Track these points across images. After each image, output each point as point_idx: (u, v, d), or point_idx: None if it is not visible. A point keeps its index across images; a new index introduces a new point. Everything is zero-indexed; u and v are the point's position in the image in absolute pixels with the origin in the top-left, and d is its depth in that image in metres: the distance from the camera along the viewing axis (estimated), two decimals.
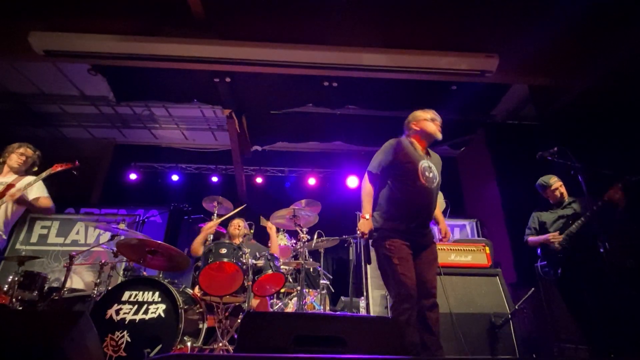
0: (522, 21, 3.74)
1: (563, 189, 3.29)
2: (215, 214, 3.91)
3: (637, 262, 2.83)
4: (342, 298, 4.86)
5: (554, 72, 4.22)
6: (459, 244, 3.77)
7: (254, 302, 3.40)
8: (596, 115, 4.41)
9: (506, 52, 3.80)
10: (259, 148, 6.69)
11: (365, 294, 5.03)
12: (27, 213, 3.16)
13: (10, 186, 2.90)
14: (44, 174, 2.95)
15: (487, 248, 3.73)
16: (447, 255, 3.62)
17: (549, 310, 4.00)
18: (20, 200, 2.88)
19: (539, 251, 3.57)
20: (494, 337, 3.17)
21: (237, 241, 3.86)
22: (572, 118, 4.78)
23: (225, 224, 4.12)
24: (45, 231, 5.52)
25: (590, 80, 4.23)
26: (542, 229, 3.39)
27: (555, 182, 3.31)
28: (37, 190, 2.98)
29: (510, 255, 5.01)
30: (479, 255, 3.67)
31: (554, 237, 3.15)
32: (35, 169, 3.18)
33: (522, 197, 5.01)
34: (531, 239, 3.47)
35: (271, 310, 3.72)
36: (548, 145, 3.07)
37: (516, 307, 3.26)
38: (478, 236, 5.86)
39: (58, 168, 3.02)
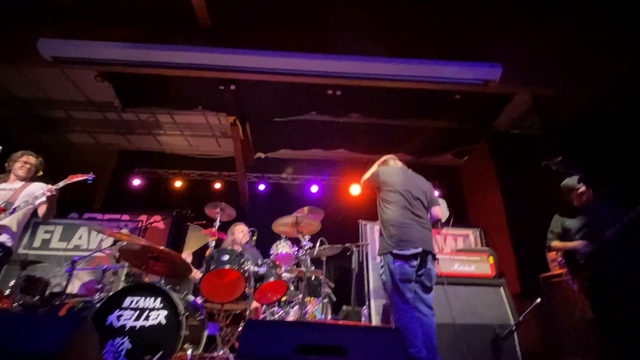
0: (526, 31, 3.77)
1: (589, 193, 3.10)
2: (217, 221, 3.91)
3: None
4: (344, 307, 4.82)
5: (558, 82, 4.23)
6: (462, 254, 3.76)
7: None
8: (600, 126, 4.40)
9: (510, 62, 3.82)
10: (262, 155, 6.72)
11: (367, 303, 4.99)
12: (31, 217, 3.18)
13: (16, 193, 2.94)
14: (60, 184, 2.98)
15: (490, 258, 3.70)
16: (450, 264, 3.60)
17: (554, 322, 3.94)
18: (53, 199, 2.95)
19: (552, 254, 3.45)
20: (498, 349, 3.13)
21: (239, 248, 3.85)
22: (576, 128, 4.78)
23: (225, 230, 4.11)
24: (48, 236, 5.54)
25: (594, 90, 4.24)
26: (567, 235, 3.19)
27: (582, 186, 3.09)
28: (43, 196, 3.01)
29: (514, 266, 4.96)
30: (482, 265, 3.65)
31: (584, 247, 2.94)
32: (40, 173, 3.22)
33: (525, 207, 4.99)
34: (555, 244, 3.25)
35: (262, 317, 3.68)
36: (551, 155, 3.05)
37: (520, 319, 3.22)
38: (482, 246, 5.81)
39: (73, 178, 3.05)
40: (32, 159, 3.18)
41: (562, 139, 4.88)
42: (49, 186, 2.92)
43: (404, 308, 2.49)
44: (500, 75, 3.78)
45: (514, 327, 3.17)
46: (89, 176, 3.11)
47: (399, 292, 2.52)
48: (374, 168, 3.09)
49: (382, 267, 2.65)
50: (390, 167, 3.13)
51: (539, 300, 3.23)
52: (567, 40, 3.76)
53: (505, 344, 3.14)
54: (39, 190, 3.00)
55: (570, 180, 3.14)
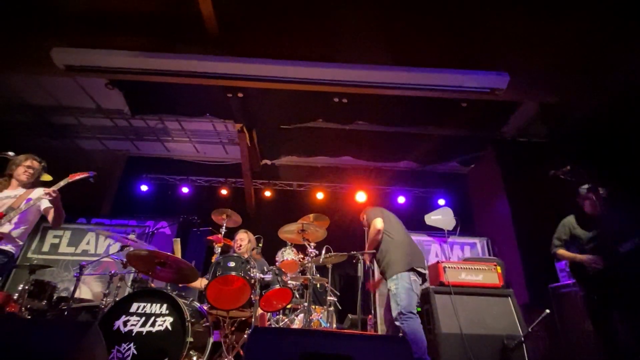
0: (532, 40, 3.77)
1: (600, 202, 3.02)
2: (223, 227, 3.93)
3: None
4: (350, 315, 4.78)
5: (564, 90, 4.22)
6: (469, 263, 3.71)
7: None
8: (607, 133, 4.36)
9: (516, 70, 3.81)
10: (268, 162, 6.76)
11: (373, 312, 4.95)
12: (40, 222, 3.19)
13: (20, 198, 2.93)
14: (61, 184, 2.88)
15: (498, 267, 3.65)
16: (457, 274, 3.56)
17: (564, 333, 3.87)
18: (57, 201, 2.86)
19: (561, 264, 3.37)
20: None
21: (245, 255, 3.85)
22: (582, 136, 4.74)
23: (231, 237, 4.11)
24: (57, 240, 5.60)
25: (601, 98, 4.21)
26: (576, 243, 3.16)
27: (591, 195, 3.04)
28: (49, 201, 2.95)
29: (522, 275, 4.89)
30: (490, 275, 3.60)
31: (595, 262, 2.90)
32: (48, 178, 3.21)
33: (533, 215, 4.94)
34: (562, 253, 3.20)
35: (267, 324, 3.67)
36: (558, 163, 3.02)
37: (529, 330, 3.16)
38: (489, 255, 5.75)
39: (75, 177, 2.95)
40: (35, 164, 3.06)
41: (568, 147, 4.85)
42: (49, 189, 2.80)
43: (414, 317, 2.84)
44: (507, 83, 3.78)
45: (522, 338, 3.11)
46: (90, 173, 2.99)
47: (411, 304, 2.88)
48: (373, 228, 3.29)
49: (395, 279, 2.97)
50: (381, 209, 3.53)
51: (547, 311, 3.17)
52: (573, 49, 3.75)
53: (514, 355, 3.08)
54: (40, 198, 2.89)
55: (582, 188, 3.09)
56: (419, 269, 3.05)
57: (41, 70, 4.30)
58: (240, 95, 4.64)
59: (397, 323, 2.85)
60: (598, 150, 4.30)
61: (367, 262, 3.30)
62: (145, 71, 3.85)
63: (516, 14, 3.64)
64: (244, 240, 4.00)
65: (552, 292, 4.11)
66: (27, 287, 3.60)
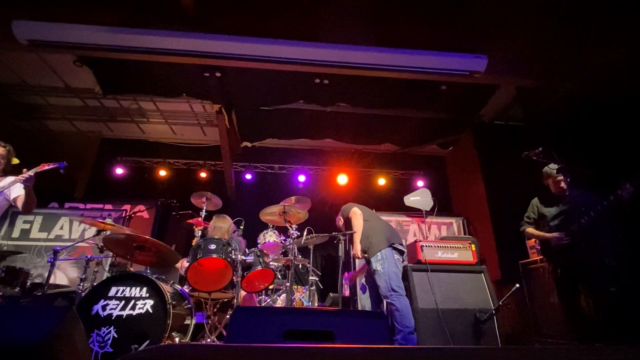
0: (510, 23, 3.81)
1: (566, 183, 3.10)
2: (203, 210, 3.88)
3: (615, 261, 2.92)
4: (331, 294, 4.90)
5: (541, 74, 4.32)
6: (445, 241, 3.85)
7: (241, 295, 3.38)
8: (581, 117, 4.53)
9: (495, 54, 3.86)
10: (248, 144, 6.66)
11: (354, 290, 5.09)
12: (8, 208, 3.06)
13: None
14: (30, 172, 2.75)
15: (473, 245, 3.81)
16: (434, 252, 3.69)
17: (532, 306, 4.11)
18: (29, 188, 2.78)
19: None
20: (478, 332, 3.26)
21: (226, 237, 3.82)
22: (557, 119, 4.90)
23: (208, 221, 4.01)
24: (27, 226, 5.38)
25: (576, 82, 4.34)
26: (542, 220, 3.31)
27: (559, 176, 3.17)
28: (19, 188, 2.85)
29: (495, 253, 5.12)
30: (465, 253, 3.75)
31: (560, 239, 3.04)
32: (16, 161, 3.06)
33: (507, 196, 5.12)
34: (530, 231, 3.34)
35: (258, 304, 3.72)
36: (534, 146, 3.13)
37: (500, 303, 3.35)
38: (464, 234, 5.97)
39: (45, 167, 2.83)
40: None
41: (543, 130, 5.01)
42: (24, 174, 2.70)
43: (403, 293, 3.04)
44: (485, 66, 3.83)
45: (493, 311, 3.30)
46: (61, 164, 2.88)
47: (398, 280, 3.08)
48: (354, 215, 3.47)
49: (380, 259, 3.13)
50: (351, 203, 3.71)
51: (517, 285, 3.36)
52: (550, 33, 3.82)
53: (486, 327, 3.27)
54: (12, 182, 2.79)
55: (551, 168, 3.24)
56: (399, 247, 3.26)
57: (1, 45, 4.01)
58: (218, 74, 4.49)
59: (387, 301, 3.02)
60: (572, 132, 4.47)
61: (357, 255, 3.29)
62: (116, 48, 3.65)
63: None
64: (220, 227, 3.65)
65: (522, 268, 4.33)
66: None
